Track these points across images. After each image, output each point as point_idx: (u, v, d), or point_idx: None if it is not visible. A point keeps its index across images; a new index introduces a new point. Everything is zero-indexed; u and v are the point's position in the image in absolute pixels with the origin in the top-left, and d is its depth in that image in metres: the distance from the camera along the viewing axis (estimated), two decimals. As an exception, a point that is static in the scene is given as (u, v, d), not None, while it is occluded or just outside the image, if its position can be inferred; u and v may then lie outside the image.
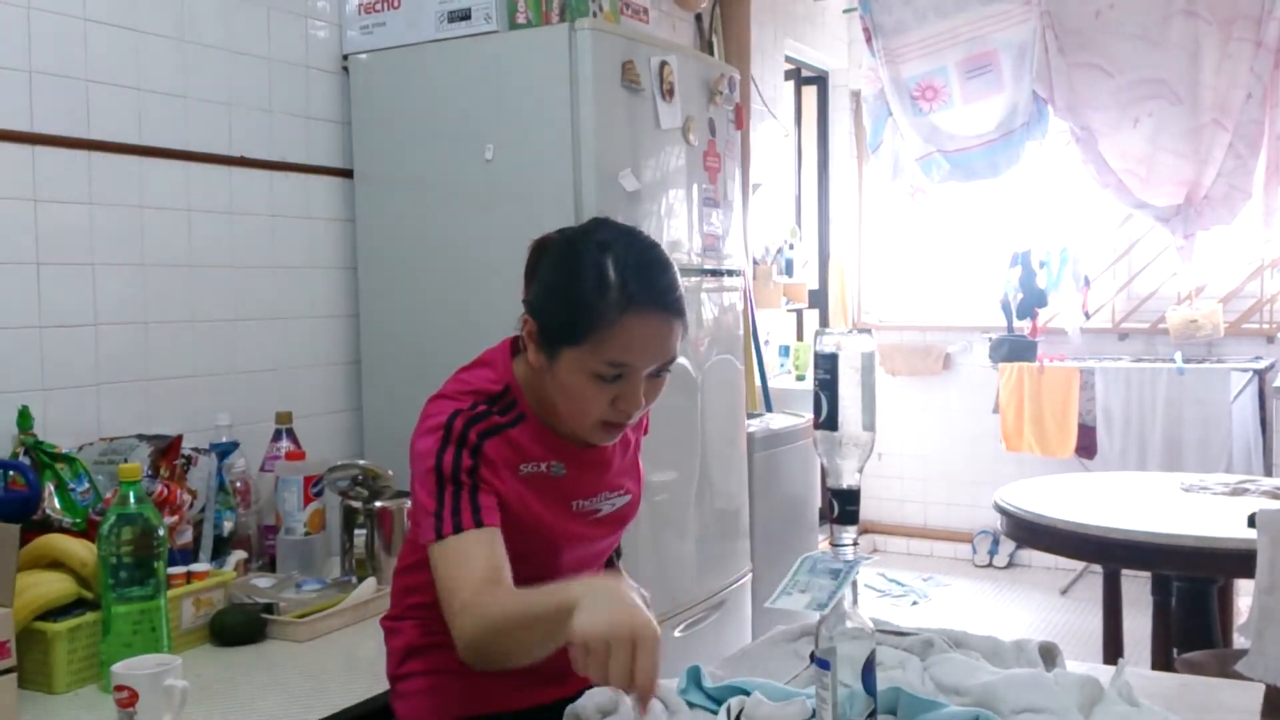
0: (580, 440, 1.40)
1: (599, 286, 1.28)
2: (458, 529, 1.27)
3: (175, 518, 1.89)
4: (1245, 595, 2.85)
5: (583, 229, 1.39)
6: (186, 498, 1.94)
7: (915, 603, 4.78)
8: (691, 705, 1.28)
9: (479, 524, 1.28)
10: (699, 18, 4.12)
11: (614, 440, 1.41)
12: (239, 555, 2.01)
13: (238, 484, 2.13)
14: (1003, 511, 2.99)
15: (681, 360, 2.58)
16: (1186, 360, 4.62)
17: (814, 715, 1.14)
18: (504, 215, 2.36)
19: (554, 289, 1.33)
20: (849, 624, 1.09)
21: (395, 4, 2.49)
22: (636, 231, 1.39)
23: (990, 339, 5.10)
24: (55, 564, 1.67)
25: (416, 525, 1.35)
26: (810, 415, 1.71)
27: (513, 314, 1.40)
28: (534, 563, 1.32)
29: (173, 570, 1.77)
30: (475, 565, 1.25)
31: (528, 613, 1.18)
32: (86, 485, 1.83)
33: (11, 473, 1.76)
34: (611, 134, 2.32)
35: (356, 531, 2.06)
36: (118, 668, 1.39)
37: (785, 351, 4.94)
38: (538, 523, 1.37)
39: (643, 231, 1.40)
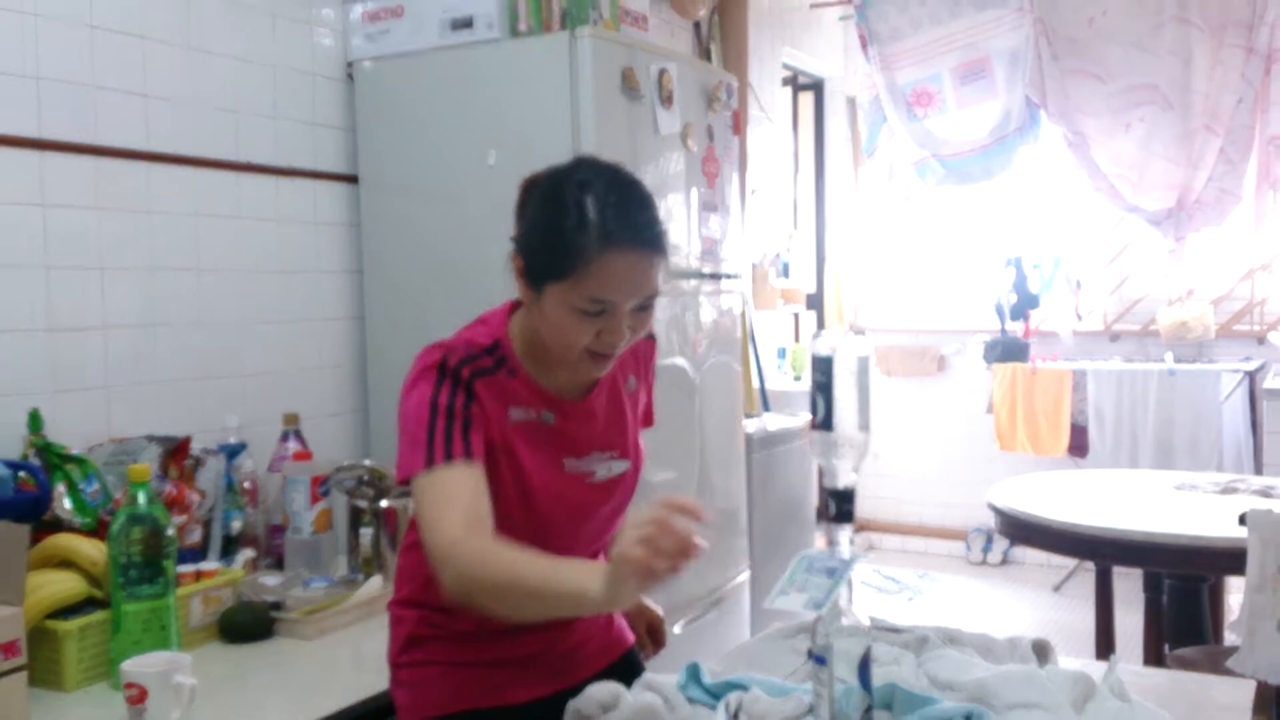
0: (569, 386, 1.42)
1: (579, 224, 1.31)
2: (448, 458, 1.29)
3: (184, 517, 1.92)
4: (1236, 593, 2.89)
5: (567, 168, 1.40)
6: (195, 498, 1.96)
7: (911, 599, 4.81)
8: (691, 701, 1.29)
9: (468, 456, 1.30)
10: (697, 25, 4.14)
11: (602, 371, 1.42)
12: (247, 554, 2.04)
13: (246, 484, 2.15)
14: (996, 511, 3.01)
15: (680, 362, 2.61)
16: (1177, 361, 4.65)
17: (811, 711, 1.16)
18: (506, 220, 2.30)
19: (538, 227, 1.37)
20: (845, 621, 1.10)
21: (399, 12, 2.52)
22: (619, 169, 1.40)
23: (984, 341, 5.13)
24: (65, 563, 1.69)
25: (405, 461, 1.34)
26: (807, 416, 1.73)
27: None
28: (534, 530, 1.34)
29: (182, 569, 1.79)
30: (459, 506, 1.27)
31: (527, 584, 1.21)
32: (96, 486, 1.84)
33: (22, 474, 1.77)
34: (611, 140, 2.34)
35: (362, 530, 2.09)
36: (127, 665, 1.41)
37: (782, 353, 4.96)
38: (530, 480, 1.38)
39: (626, 169, 1.41)
